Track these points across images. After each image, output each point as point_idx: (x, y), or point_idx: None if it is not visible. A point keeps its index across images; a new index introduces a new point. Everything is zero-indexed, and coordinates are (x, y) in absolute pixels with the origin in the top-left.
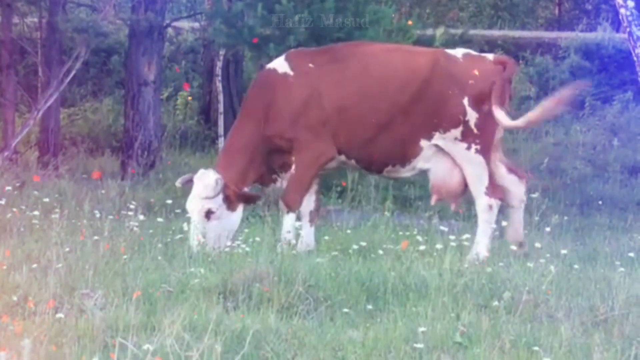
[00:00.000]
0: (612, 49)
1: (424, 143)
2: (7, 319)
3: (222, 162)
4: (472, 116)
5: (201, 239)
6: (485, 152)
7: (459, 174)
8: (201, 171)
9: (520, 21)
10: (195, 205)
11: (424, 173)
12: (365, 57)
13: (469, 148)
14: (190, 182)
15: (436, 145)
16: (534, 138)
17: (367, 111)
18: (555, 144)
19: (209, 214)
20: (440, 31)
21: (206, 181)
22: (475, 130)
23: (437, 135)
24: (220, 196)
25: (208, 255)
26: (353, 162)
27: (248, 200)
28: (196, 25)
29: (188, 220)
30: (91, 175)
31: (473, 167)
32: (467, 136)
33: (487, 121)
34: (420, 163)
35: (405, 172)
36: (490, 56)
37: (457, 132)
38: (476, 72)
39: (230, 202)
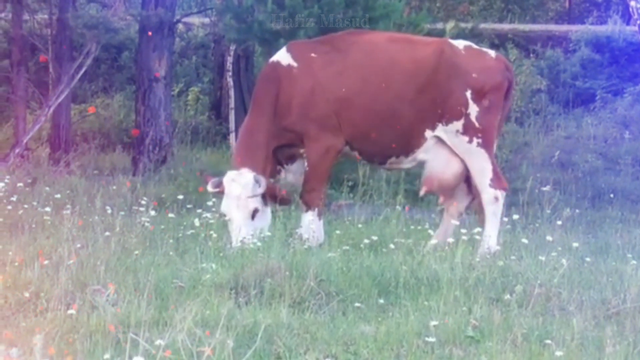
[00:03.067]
0: (622, 41)
1: (428, 134)
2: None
3: (248, 159)
4: (473, 109)
5: (246, 239)
6: (487, 145)
7: (454, 167)
8: (232, 172)
9: (531, 14)
10: (238, 206)
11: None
12: (369, 46)
13: (470, 141)
14: (222, 184)
15: (437, 137)
16: (545, 131)
17: (371, 101)
18: (566, 137)
19: (255, 212)
20: (450, 25)
21: (244, 181)
22: (476, 124)
23: (439, 126)
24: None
25: (220, 251)
26: (356, 153)
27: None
28: (206, 20)
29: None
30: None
31: (476, 161)
32: (468, 129)
33: (487, 115)
34: (421, 154)
35: (407, 164)
36: (492, 52)
37: (458, 124)
38: (480, 66)
39: (265, 198)
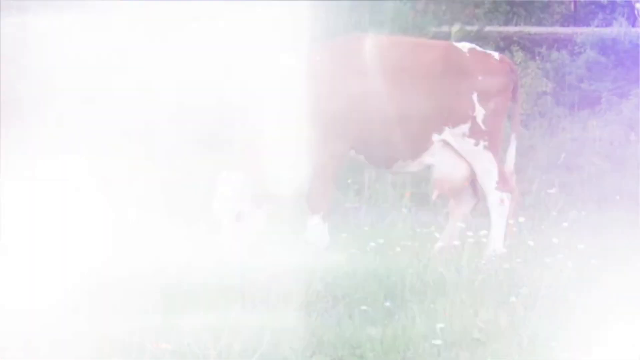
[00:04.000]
0: (628, 43)
1: (435, 137)
2: None
3: (245, 160)
4: (479, 112)
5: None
6: (493, 147)
7: (462, 169)
8: (225, 171)
9: (536, 17)
10: (225, 207)
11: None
12: (374, 50)
13: (476, 144)
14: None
15: (443, 140)
16: (550, 134)
17: (376, 105)
18: (572, 140)
19: (239, 215)
20: (455, 28)
21: (234, 181)
22: (482, 127)
23: (446, 130)
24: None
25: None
26: (362, 157)
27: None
28: None
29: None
30: None
31: (482, 163)
32: (474, 132)
33: (493, 118)
34: (428, 158)
35: (413, 167)
36: (495, 54)
37: (465, 127)
38: (485, 69)
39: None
